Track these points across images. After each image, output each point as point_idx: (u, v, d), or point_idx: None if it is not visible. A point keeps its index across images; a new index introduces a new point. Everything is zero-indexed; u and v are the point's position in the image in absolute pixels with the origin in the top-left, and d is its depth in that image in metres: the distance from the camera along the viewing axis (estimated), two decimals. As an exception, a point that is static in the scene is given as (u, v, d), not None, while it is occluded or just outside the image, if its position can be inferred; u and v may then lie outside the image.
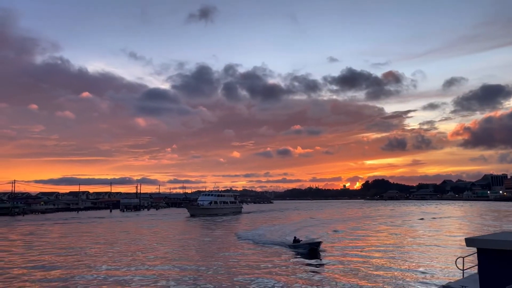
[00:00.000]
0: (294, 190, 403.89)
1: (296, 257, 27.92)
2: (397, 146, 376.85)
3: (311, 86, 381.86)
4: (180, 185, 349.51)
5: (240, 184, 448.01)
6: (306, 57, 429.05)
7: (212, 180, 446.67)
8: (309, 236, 37.94)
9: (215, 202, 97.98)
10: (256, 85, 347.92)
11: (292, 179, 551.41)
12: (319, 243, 30.71)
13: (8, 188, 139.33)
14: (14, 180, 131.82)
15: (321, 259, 26.80)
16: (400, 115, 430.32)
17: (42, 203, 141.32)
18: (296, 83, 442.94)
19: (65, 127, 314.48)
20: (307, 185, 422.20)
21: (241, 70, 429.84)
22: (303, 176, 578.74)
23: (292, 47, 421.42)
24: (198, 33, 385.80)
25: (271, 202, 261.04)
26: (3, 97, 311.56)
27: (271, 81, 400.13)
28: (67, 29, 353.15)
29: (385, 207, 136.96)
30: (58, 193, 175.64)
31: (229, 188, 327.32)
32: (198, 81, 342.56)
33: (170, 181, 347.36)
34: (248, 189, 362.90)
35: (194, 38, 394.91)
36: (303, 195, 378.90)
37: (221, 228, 55.41)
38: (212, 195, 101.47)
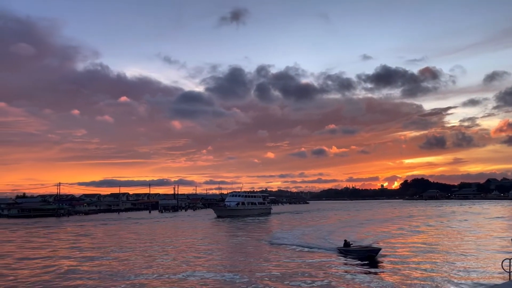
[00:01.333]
0: (330, 190, 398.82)
1: (351, 265, 24.85)
2: (437, 144, 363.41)
3: (345, 84, 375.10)
4: (216, 186, 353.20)
5: (275, 184, 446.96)
6: (339, 56, 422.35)
7: (247, 181, 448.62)
8: (357, 240, 34.62)
9: (242, 203, 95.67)
10: (289, 85, 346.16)
11: (328, 179, 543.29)
12: (378, 249, 27.38)
13: (54, 190, 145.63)
14: (59, 183, 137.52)
15: (382, 269, 23.61)
16: (439, 112, 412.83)
17: (85, 204, 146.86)
18: (329, 82, 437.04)
19: (105, 131, 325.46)
20: (343, 185, 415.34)
21: (274, 70, 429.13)
22: (339, 176, 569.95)
23: (325, 46, 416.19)
24: (230, 35, 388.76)
25: (307, 203, 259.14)
26: (48, 104, 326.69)
27: (304, 80, 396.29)
28: (107, 36, 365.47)
29: (428, 206, 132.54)
30: (100, 194, 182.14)
31: (264, 189, 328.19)
32: (231, 83, 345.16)
33: (206, 182, 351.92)
34: (283, 189, 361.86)
35: (226, 41, 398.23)
36: (339, 196, 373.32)
37: (252, 230, 54.05)
38: (239, 196, 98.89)
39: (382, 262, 25.65)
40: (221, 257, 29.47)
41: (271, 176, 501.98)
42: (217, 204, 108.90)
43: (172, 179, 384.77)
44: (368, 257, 26.48)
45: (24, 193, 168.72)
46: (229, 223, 67.53)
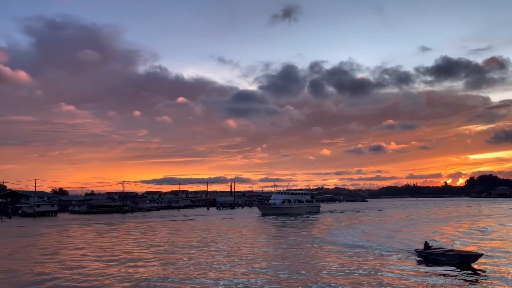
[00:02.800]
0: (389, 187, 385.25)
1: (443, 274, 20.27)
2: (506, 138, 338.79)
3: (402, 78, 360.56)
4: (272, 183, 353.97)
5: (331, 182, 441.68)
6: (396, 48, 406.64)
7: (302, 178, 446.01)
8: (433, 240, 30.38)
9: (288, 201, 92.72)
10: (344, 80, 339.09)
11: (387, 176, 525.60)
12: (479, 255, 22.07)
13: (118, 188, 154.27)
14: (123, 181, 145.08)
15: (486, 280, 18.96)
16: (509, 104, 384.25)
17: (147, 201, 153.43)
18: (386, 76, 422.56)
19: (164, 131, 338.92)
20: (403, 182, 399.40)
21: (327, 66, 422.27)
22: (399, 173, 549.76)
23: (380, 39, 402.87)
24: (282, 33, 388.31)
25: (365, 201, 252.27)
26: (112, 106, 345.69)
27: (359, 75, 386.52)
28: (165, 40, 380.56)
29: (501, 205, 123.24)
30: (161, 192, 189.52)
31: (320, 187, 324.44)
32: (284, 80, 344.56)
33: (262, 180, 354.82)
34: (340, 187, 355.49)
35: (278, 38, 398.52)
36: (399, 193, 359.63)
37: (302, 229, 51.85)
38: (285, 193, 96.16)
39: (484, 271, 20.68)
40: (274, 257, 27.77)
41: (327, 174, 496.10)
42: (262, 202, 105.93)
43: (229, 177, 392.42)
44: (462, 263, 21.72)
45: (92, 191, 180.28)
46: (278, 222, 64.95)
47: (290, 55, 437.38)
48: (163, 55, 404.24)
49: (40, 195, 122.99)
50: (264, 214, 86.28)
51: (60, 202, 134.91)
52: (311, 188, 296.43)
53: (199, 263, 24.95)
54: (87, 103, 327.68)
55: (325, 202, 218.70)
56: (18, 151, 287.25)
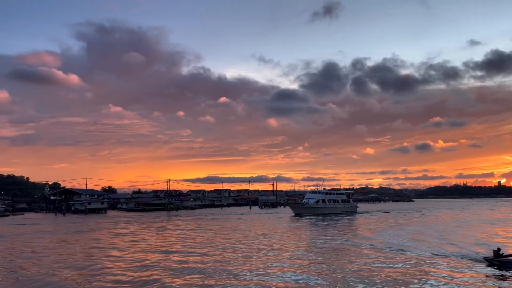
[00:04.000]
0: (437, 187, 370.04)
1: None
2: None
3: (450, 74, 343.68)
4: (314, 182, 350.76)
5: (376, 181, 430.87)
6: (442, 43, 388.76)
7: (346, 177, 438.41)
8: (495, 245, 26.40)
9: (323, 201, 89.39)
10: (387, 77, 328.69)
11: (434, 176, 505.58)
12: None
13: (164, 186, 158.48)
14: (169, 179, 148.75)
15: None
16: None
17: (191, 200, 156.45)
18: (432, 72, 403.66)
19: (207, 130, 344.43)
20: (452, 182, 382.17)
21: (370, 63, 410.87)
22: (447, 172, 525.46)
23: (425, 34, 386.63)
24: (323, 30, 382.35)
25: (412, 201, 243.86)
26: (157, 107, 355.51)
27: (403, 72, 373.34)
28: (208, 41, 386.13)
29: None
30: (204, 190, 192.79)
31: (364, 186, 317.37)
32: (326, 78, 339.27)
33: (304, 179, 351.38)
34: (385, 186, 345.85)
35: (319, 36, 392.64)
36: (448, 193, 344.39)
37: (339, 229, 50.82)
38: (319, 193, 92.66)
39: None
40: (310, 260, 26.29)
41: (372, 173, 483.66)
42: (295, 202, 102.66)
43: (270, 176, 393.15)
44: None
45: (139, 189, 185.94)
46: (311, 222, 62.72)
47: (332, 52, 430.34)
48: (206, 56, 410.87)
49: (91, 193, 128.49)
50: (297, 214, 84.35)
51: (109, 200, 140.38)
52: (355, 187, 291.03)
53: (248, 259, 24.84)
54: (134, 104, 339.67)
55: (369, 202, 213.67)
56: (71, 151, 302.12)
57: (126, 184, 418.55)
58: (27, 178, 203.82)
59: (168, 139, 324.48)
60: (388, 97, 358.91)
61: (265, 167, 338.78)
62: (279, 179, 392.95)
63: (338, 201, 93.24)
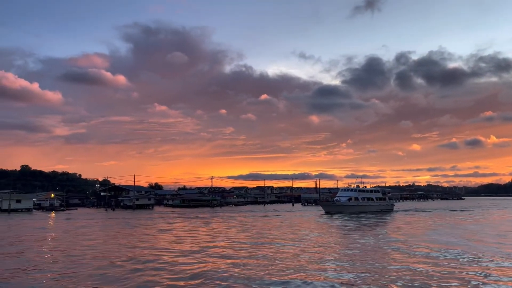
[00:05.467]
0: (490, 185, 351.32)
1: None
2: None
3: (502, 66, 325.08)
4: (359, 180, 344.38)
5: (423, 179, 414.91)
6: (493, 34, 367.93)
7: (391, 174, 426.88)
8: None
9: (355, 199, 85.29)
10: (433, 71, 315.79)
11: (486, 173, 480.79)
12: None
13: (208, 183, 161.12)
14: (212, 176, 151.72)
15: None
16: None
17: (234, 196, 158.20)
18: (482, 64, 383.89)
19: (249, 128, 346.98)
20: (506, 179, 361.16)
21: (415, 57, 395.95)
22: (501, 169, 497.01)
23: (474, 24, 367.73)
24: (365, 24, 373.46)
25: (462, 199, 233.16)
26: (200, 105, 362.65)
27: (451, 65, 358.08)
28: (250, 39, 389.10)
29: None
30: (247, 187, 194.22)
31: (411, 183, 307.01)
32: (369, 73, 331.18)
33: (348, 176, 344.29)
34: (432, 184, 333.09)
35: (361, 31, 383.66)
36: (502, 191, 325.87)
37: (373, 228, 48.46)
38: (351, 190, 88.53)
39: None
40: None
41: (419, 170, 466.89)
42: (326, 200, 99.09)
43: (313, 173, 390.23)
44: None
45: (184, 186, 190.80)
46: (346, 220, 60.44)
47: (374, 47, 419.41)
48: (248, 54, 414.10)
49: (138, 189, 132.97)
50: (327, 212, 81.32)
51: (156, 196, 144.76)
52: (400, 185, 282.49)
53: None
54: (178, 103, 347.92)
55: (416, 200, 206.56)
56: (119, 148, 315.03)
57: (171, 181, 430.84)
58: (80, 175, 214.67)
59: (211, 137, 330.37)
60: (435, 91, 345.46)
61: (308, 164, 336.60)
62: (322, 176, 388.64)
63: (372, 199, 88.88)
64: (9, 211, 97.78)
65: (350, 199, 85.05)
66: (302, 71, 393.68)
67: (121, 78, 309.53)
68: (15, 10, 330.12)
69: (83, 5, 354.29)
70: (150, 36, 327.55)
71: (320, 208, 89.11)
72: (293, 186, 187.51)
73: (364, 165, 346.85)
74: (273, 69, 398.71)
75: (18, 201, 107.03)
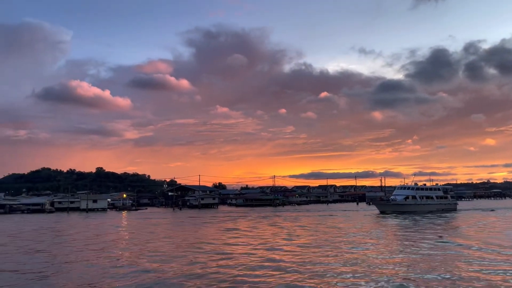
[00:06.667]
0: None
1: None
2: None
3: None
4: (426, 177, 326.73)
5: (499, 175, 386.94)
6: None
7: (463, 171, 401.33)
8: None
9: (413, 197, 79.60)
10: (507, 60, 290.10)
11: None
12: None
13: (270, 182, 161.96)
14: (274, 176, 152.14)
15: None
16: None
17: (296, 195, 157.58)
18: None
19: (310, 126, 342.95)
20: None
21: (486, 46, 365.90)
22: None
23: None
24: (428, 14, 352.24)
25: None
26: (260, 106, 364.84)
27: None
28: (309, 36, 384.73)
29: None
30: (309, 186, 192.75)
31: (485, 181, 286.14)
32: (434, 66, 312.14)
33: (415, 174, 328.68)
34: (510, 181, 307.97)
35: (424, 22, 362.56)
36: None
37: (433, 229, 44.57)
38: (408, 188, 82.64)
39: None
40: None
41: (494, 166, 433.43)
42: (380, 198, 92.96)
43: (378, 171, 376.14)
44: None
45: (246, 185, 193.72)
46: (403, 220, 56.38)
47: (440, 38, 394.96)
48: (308, 51, 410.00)
49: (203, 189, 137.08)
50: (382, 212, 77.07)
51: (220, 195, 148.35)
52: (473, 182, 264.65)
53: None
54: (238, 104, 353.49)
55: (492, 198, 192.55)
56: (184, 150, 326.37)
57: (234, 180, 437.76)
58: (148, 176, 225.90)
59: (271, 136, 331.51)
60: (509, 81, 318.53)
61: (372, 162, 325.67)
62: (387, 174, 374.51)
63: (432, 198, 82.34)
64: (87, 210, 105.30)
65: (407, 197, 79.88)
66: (363, 67, 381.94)
67: (184, 82, 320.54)
68: (88, 23, 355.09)
69: (148, 14, 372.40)
70: (211, 40, 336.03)
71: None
72: (357, 184, 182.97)
73: (432, 162, 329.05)
74: (332, 66, 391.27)
75: (95, 201, 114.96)
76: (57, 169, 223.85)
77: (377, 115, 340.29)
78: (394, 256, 24.55)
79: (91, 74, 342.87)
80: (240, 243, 32.20)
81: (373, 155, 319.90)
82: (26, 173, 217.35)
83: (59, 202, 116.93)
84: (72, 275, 20.41)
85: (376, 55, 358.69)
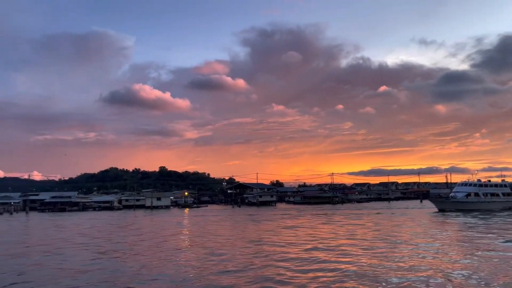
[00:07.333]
0: None
1: None
2: None
3: None
4: (497, 173, 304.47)
5: None
6: None
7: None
8: None
9: (475, 194, 73.41)
10: None
11: None
12: None
13: (328, 180, 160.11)
14: (332, 173, 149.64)
15: None
16: None
17: (356, 193, 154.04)
18: None
19: (369, 122, 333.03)
20: None
21: None
22: None
23: None
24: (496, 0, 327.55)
25: None
26: (316, 102, 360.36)
27: None
28: (366, 29, 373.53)
29: None
30: (369, 183, 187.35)
31: None
32: (504, 54, 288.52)
33: (484, 169, 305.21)
34: None
35: (492, 7, 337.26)
36: None
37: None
38: (470, 185, 76.78)
39: None
40: None
41: None
42: (439, 196, 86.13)
43: (443, 167, 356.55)
44: None
45: (304, 183, 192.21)
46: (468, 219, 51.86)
47: (509, 24, 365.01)
48: (365, 45, 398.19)
49: (261, 186, 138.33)
50: (440, 210, 71.62)
51: (278, 193, 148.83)
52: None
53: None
54: (294, 101, 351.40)
55: None
56: (242, 148, 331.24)
57: (291, 178, 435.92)
58: (208, 174, 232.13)
59: (328, 133, 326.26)
60: None
61: (436, 158, 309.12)
62: (453, 170, 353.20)
63: (497, 195, 75.61)
64: (152, 208, 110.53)
65: (468, 195, 74.26)
66: (424, 58, 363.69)
67: (240, 82, 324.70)
68: (149, 28, 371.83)
69: (205, 16, 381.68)
70: (266, 38, 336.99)
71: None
72: (420, 181, 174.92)
73: (504, 157, 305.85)
74: (392, 59, 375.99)
75: (159, 199, 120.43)
76: (123, 169, 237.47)
77: (441, 108, 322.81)
78: (461, 260, 23.24)
79: (152, 77, 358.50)
80: (304, 242, 32.08)
81: (437, 150, 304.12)
82: (96, 172, 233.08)
83: (126, 200, 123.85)
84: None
85: (438, 46, 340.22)
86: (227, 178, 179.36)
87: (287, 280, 18.00)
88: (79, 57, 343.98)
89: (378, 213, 69.97)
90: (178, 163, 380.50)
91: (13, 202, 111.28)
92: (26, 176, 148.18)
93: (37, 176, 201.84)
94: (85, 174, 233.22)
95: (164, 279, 18.69)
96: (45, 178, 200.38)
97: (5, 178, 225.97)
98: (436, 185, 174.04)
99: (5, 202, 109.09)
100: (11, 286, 18.15)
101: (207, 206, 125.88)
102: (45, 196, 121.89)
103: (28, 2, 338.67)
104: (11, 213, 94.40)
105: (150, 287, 17.44)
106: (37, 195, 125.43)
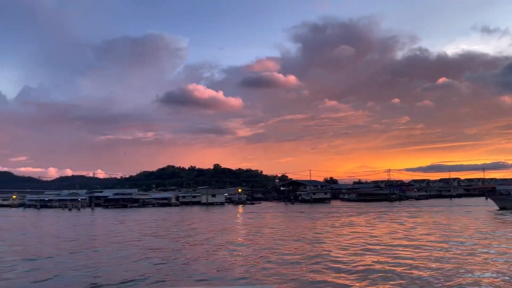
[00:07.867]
0: None
1: None
2: None
3: None
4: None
5: None
6: None
7: None
8: None
9: None
10: None
11: None
12: None
13: (384, 176, 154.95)
14: (389, 169, 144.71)
15: None
16: None
17: (415, 190, 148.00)
18: None
19: (427, 115, 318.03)
20: None
21: None
22: None
23: None
24: None
25: None
26: (370, 97, 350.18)
27: None
28: (423, 19, 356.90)
29: None
30: (429, 180, 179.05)
31: None
32: None
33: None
34: None
35: None
36: None
37: None
38: None
39: None
40: None
41: None
42: (499, 193, 77.97)
43: (510, 162, 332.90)
44: None
45: (359, 179, 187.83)
46: None
47: None
48: (422, 35, 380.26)
49: (314, 183, 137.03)
50: (502, 208, 65.30)
51: (332, 190, 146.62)
52: None
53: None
54: (347, 96, 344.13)
55: None
56: (294, 145, 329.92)
57: (346, 175, 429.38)
58: (261, 171, 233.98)
59: (384, 128, 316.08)
60: None
61: (502, 152, 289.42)
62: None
63: None
64: (207, 204, 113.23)
65: None
66: (488, 47, 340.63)
67: (291, 78, 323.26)
68: (201, 29, 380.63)
69: (256, 14, 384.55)
70: (318, 33, 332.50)
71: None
72: (485, 177, 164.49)
73: None
74: (451, 49, 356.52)
75: (214, 195, 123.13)
76: (180, 166, 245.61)
77: (507, 99, 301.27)
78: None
79: (205, 77, 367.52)
80: (370, 242, 31.36)
81: (503, 144, 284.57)
82: (154, 170, 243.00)
83: (183, 197, 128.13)
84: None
85: (502, 33, 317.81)
86: (279, 175, 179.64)
87: None
88: (137, 60, 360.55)
89: (441, 212, 66.47)
90: (232, 161, 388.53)
91: (80, 199, 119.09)
92: (91, 174, 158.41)
93: (100, 174, 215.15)
94: (144, 172, 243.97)
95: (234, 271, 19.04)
96: (108, 176, 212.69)
97: (73, 176, 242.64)
98: (504, 181, 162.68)
99: (73, 199, 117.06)
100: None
101: (260, 203, 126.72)
102: (109, 193, 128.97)
103: (88, 10, 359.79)
104: (79, 209, 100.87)
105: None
106: (101, 192, 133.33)
